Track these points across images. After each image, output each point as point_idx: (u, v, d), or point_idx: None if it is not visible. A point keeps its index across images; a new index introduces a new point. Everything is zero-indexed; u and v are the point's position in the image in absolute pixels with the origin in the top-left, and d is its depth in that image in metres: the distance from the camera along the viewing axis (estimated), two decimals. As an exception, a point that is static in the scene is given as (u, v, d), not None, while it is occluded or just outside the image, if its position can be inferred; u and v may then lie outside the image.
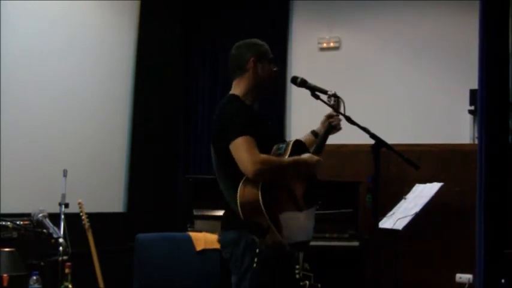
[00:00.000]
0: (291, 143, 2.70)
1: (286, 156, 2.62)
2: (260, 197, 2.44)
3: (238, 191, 2.51)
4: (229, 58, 2.84)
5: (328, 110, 2.94)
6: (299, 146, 2.74)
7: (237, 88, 2.77)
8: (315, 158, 2.70)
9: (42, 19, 4.70)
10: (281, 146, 2.68)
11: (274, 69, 2.83)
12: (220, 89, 5.99)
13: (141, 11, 5.69)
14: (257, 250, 2.53)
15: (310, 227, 2.76)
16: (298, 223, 2.62)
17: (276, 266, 2.59)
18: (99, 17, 5.28)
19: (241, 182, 2.52)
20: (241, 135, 2.51)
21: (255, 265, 2.54)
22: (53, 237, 3.27)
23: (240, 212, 2.51)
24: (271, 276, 2.59)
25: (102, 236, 4.44)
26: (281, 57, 5.81)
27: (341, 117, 2.89)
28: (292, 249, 2.61)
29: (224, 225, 2.73)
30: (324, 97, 2.83)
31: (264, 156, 2.51)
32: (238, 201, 2.50)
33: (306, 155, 2.69)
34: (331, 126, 2.90)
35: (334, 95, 2.87)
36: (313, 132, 3.00)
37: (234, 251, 2.62)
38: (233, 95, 2.75)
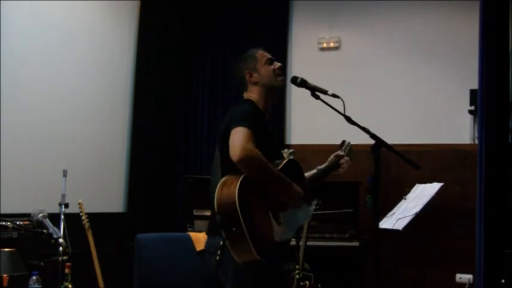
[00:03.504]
0: (285, 160, 2.70)
1: (277, 168, 2.62)
2: (237, 199, 2.40)
3: (217, 190, 2.48)
4: None
5: (329, 110, 2.94)
6: (292, 165, 2.72)
7: (249, 97, 2.79)
8: (300, 191, 2.67)
9: (42, 19, 4.70)
10: (276, 161, 2.67)
11: (276, 67, 2.82)
12: (220, 88, 6.00)
13: (141, 11, 5.69)
14: (218, 255, 2.52)
15: (288, 233, 2.71)
16: (273, 232, 2.56)
17: (265, 272, 2.54)
18: (99, 17, 5.28)
19: (221, 181, 2.50)
20: (244, 127, 2.50)
21: (217, 268, 2.53)
22: (53, 237, 3.26)
23: (216, 210, 2.48)
24: (262, 282, 2.56)
25: (102, 236, 4.44)
26: (281, 57, 5.81)
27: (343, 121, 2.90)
28: (268, 259, 2.47)
29: (210, 231, 2.68)
30: (324, 97, 2.82)
31: (256, 150, 2.48)
32: (215, 201, 2.48)
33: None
34: (337, 164, 2.95)
35: (348, 144, 3.00)
36: (319, 170, 3.00)
37: (223, 257, 2.55)
38: (247, 99, 2.78)
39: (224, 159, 2.59)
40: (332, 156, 2.99)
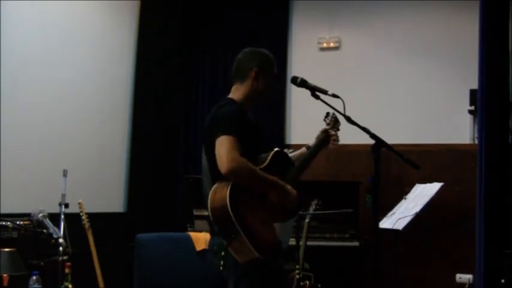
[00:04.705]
0: (271, 153, 2.70)
1: (264, 165, 2.64)
2: (228, 203, 2.44)
3: (209, 197, 2.53)
4: (234, 60, 2.85)
5: (329, 110, 2.94)
6: (280, 157, 2.74)
7: (235, 93, 2.80)
8: (293, 191, 2.69)
9: (42, 19, 4.70)
10: (263, 155, 2.68)
11: (276, 85, 2.84)
12: (220, 88, 5.99)
13: (141, 11, 5.69)
14: (222, 254, 2.53)
15: (285, 237, 2.73)
16: (271, 231, 2.59)
17: (269, 270, 2.58)
18: (99, 17, 5.28)
19: (212, 188, 2.55)
20: (228, 134, 2.52)
21: (221, 268, 2.55)
22: (53, 237, 3.26)
23: (211, 217, 2.53)
24: (266, 280, 2.58)
25: (102, 236, 4.44)
26: (281, 57, 5.81)
27: (342, 118, 2.89)
28: (268, 257, 2.53)
29: (212, 230, 2.72)
30: (324, 97, 2.83)
31: (243, 159, 2.51)
32: (209, 207, 2.52)
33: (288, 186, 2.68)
34: (326, 140, 2.92)
35: (332, 115, 2.96)
36: (308, 148, 3.01)
37: (226, 256, 2.58)
38: (230, 99, 2.78)
39: (212, 166, 2.61)
40: (319, 132, 2.98)
